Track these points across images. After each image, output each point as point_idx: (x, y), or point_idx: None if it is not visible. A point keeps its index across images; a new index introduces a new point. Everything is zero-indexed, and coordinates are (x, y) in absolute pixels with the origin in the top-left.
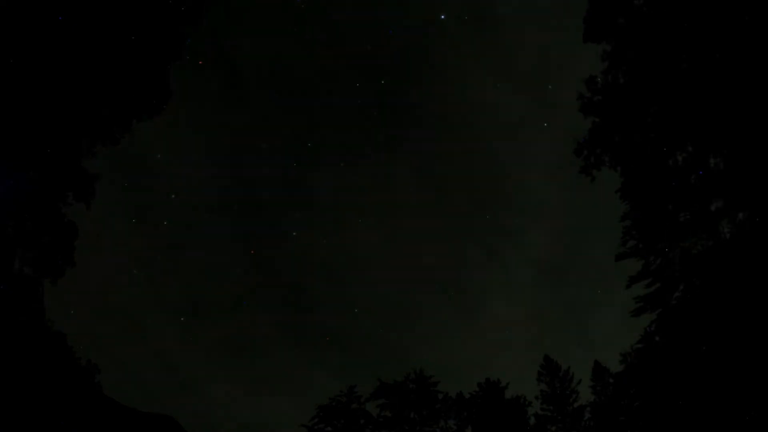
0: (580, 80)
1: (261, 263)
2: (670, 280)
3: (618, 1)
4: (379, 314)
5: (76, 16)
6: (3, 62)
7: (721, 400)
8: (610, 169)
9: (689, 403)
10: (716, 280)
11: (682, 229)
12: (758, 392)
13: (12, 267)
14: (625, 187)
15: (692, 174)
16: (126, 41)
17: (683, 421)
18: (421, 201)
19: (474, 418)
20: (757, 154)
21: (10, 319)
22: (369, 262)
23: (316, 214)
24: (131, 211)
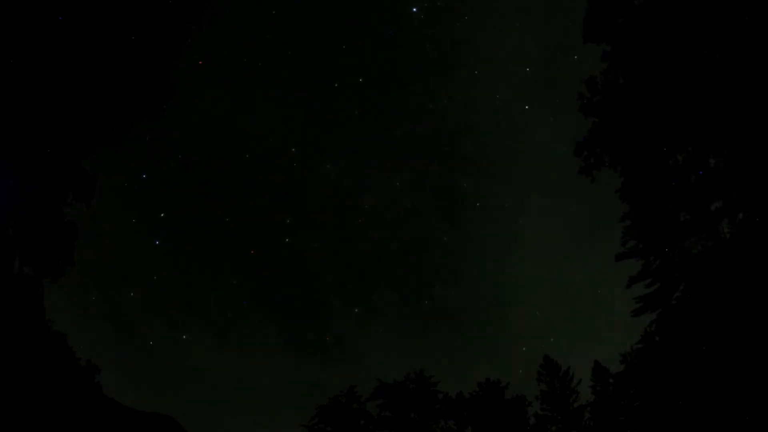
0: (580, 80)
1: (261, 264)
2: (670, 280)
3: (618, 1)
4: (379, 314)
5: (76, 15)
6: (3, 62)
7: (721, 400)
8: (610, 169)
9: (689, 403)
10: (716, 280)
11: (682, 229)
12: (758, 392)
13: (12, 267)
14: (625, 187)
15: (692, 174)
16: (126, 41)
17: (683, 421)
18: (419, 201)
19: (474, 418)
20: (757, 154)
21: (10, 319)
22: (369, 262)
23: (315, 214)
24: (132, 211)
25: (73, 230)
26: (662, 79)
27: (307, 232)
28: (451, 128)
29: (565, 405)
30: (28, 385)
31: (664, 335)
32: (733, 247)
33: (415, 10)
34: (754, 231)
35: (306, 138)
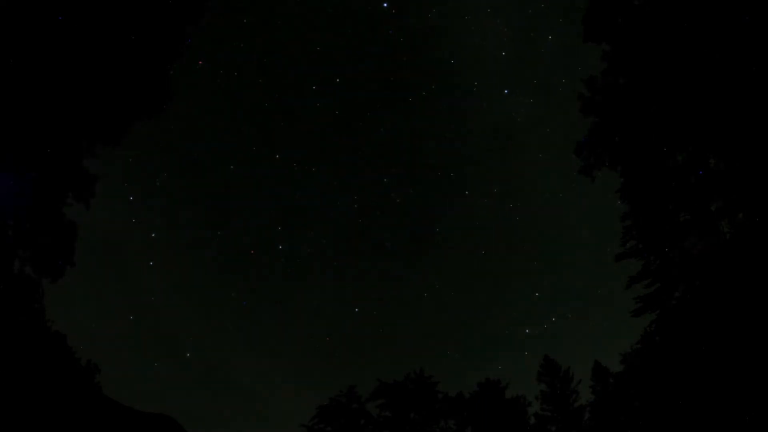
0: (580, 80)
1: (260, 264)
2: (670, 280)
3: (618, 1)
4: (378, 313)
5: (76, 16)
6: (3, 62)
7: (721, 400)
8: (610, 169)
9: (689, 403)
10: (716, 280)
11: (682, 229)
12: (758, 392)
13: (12, 267)
14: (625, 187)
15: (692, 174)
16: (126, 41)
17: (683, 421)
18: (416, 198)
19: (474, 418)
20: (757, 154)
21: (10, 319)
22: (368, 261)
23: (307, 218)
24: (132, 210)
25: (73, 230)
26: (662, 79)
27: (301, 237)
28: (435, 120)
29: (565, 405)
30: (28, 385)
31: (664, 335)
32: (733, 247)
33: (385, 5)
34: (754, 231)
35: (288, 143)
